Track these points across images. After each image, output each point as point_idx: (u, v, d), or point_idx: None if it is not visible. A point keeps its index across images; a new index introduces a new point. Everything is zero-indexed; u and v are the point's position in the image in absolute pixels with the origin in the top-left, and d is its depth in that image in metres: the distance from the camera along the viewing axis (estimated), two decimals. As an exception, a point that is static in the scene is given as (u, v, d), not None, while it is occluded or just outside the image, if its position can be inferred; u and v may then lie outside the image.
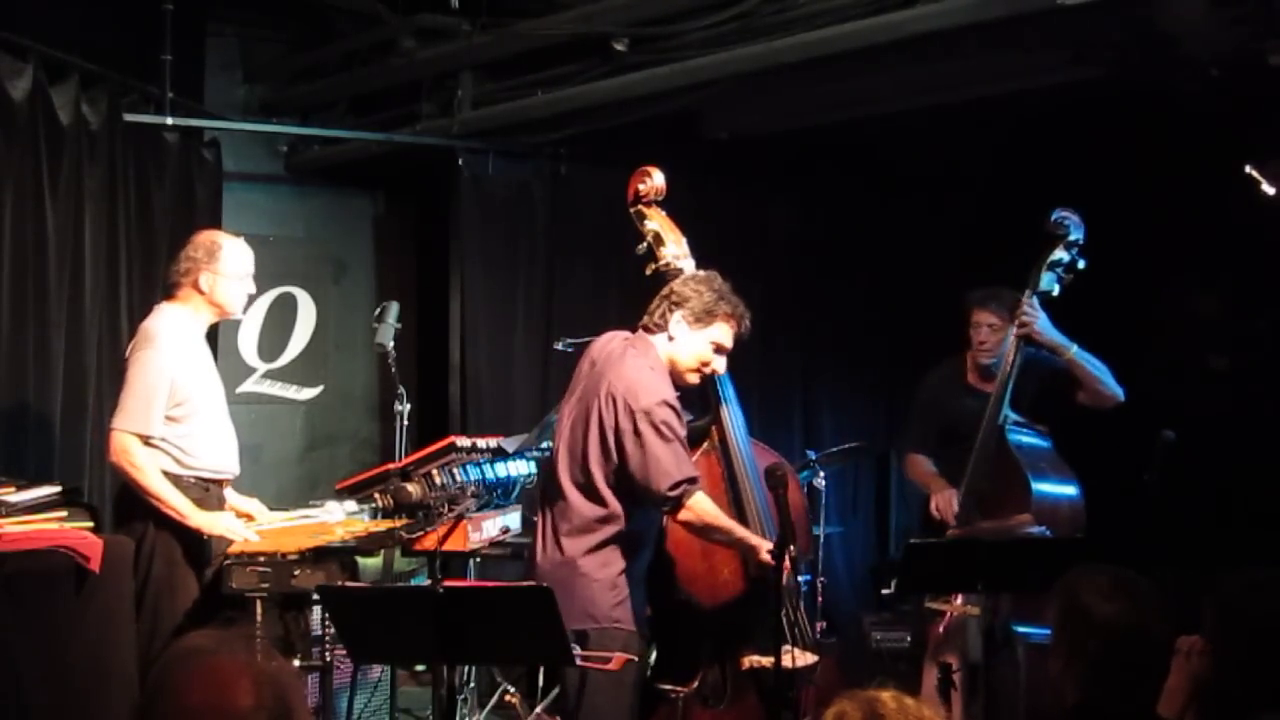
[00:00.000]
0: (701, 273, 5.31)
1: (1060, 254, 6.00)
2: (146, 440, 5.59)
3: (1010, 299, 6.23)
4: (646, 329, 5.22)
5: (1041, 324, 5.99)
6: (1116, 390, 6.09)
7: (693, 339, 5.19)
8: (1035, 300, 5.99)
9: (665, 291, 5.24)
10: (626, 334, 5.28)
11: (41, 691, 5.00)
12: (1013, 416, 6.02)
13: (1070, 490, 5.97)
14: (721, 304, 5.16)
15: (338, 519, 5.95)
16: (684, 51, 6.88)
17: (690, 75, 6.87)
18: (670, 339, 5.18)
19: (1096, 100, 7.05)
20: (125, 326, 6.97)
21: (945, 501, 6.13)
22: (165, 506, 5.57)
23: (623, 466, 4.99)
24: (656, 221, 5.55)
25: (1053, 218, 6.01)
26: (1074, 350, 6.02)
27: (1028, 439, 6.05)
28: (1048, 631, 5.56)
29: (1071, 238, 5.99)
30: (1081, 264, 6.01)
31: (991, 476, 5.97)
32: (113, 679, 5.34)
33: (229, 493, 5.94)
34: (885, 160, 8.68)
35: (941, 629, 5.97)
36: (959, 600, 5.79)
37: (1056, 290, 6.01)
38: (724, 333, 5.20)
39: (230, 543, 5.55)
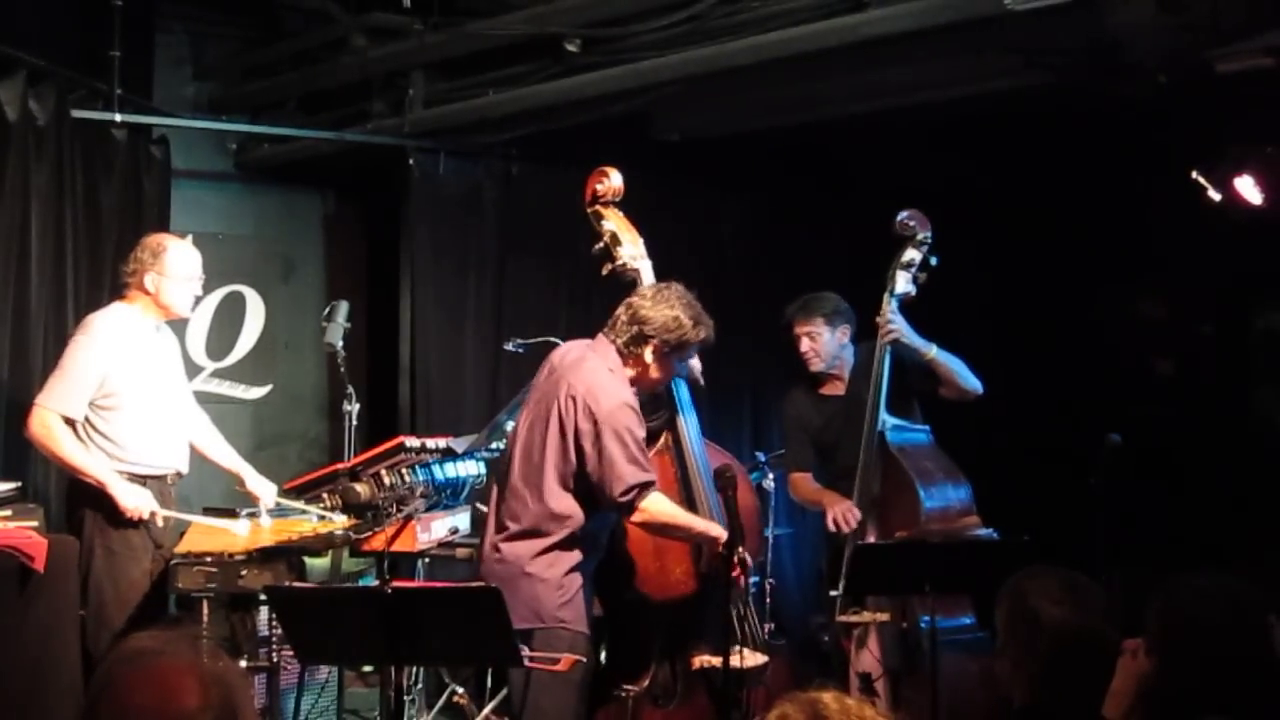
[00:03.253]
0: (670, 291, 5.23)
1: (912, 254, 6.10)
2: (69, 422, 5.73)
3: (823, 304, 6.34)
4: (613, 337, 5.21)
5: (903, 330, 6.07)
6: (975, 384, 6.17)
7: (663, 368, 5.21)
8: (895, 306, 6.07)
9: (632, 314, 5.17)
10: (588, 341, 5.29)
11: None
12: (891, 421, 6.06)
13: (960, 492, 5.99)
14: (696, 330, 5.16)
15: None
16: (636, 53, 6.88)
17: (642, 77, 6.88)
18: (640, 368, 5.18)
19: (1046, 105, 7.09)
20: (71, 324, 6.92)
21: (845, 511, 6.01)
22: (84, 475, 5.72)
23: (581, 468, 5.00)
24: (614, 222, 5.55)
25: (898, 219, 6.12)
26: (934, 350, 6.11)
27: (908, 436, 6.09)
28: (962, 623, 5.66)
29: (919, 237, 6.10)
30: (934, 260, 6.11)
31: (882, 484, 6.00)
32: (57, 678, 5.32)
33: (246, 470, 6.23)
34: (837, 163, 8.71)
35: (854, 640, 5.99)
36: (867, 610, 5.80)
37: (913, 290, 6.09)
38: (693, 352, 5.24)
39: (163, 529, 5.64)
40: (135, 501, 5.71)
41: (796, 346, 6.43)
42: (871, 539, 5.95)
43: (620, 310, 5.24)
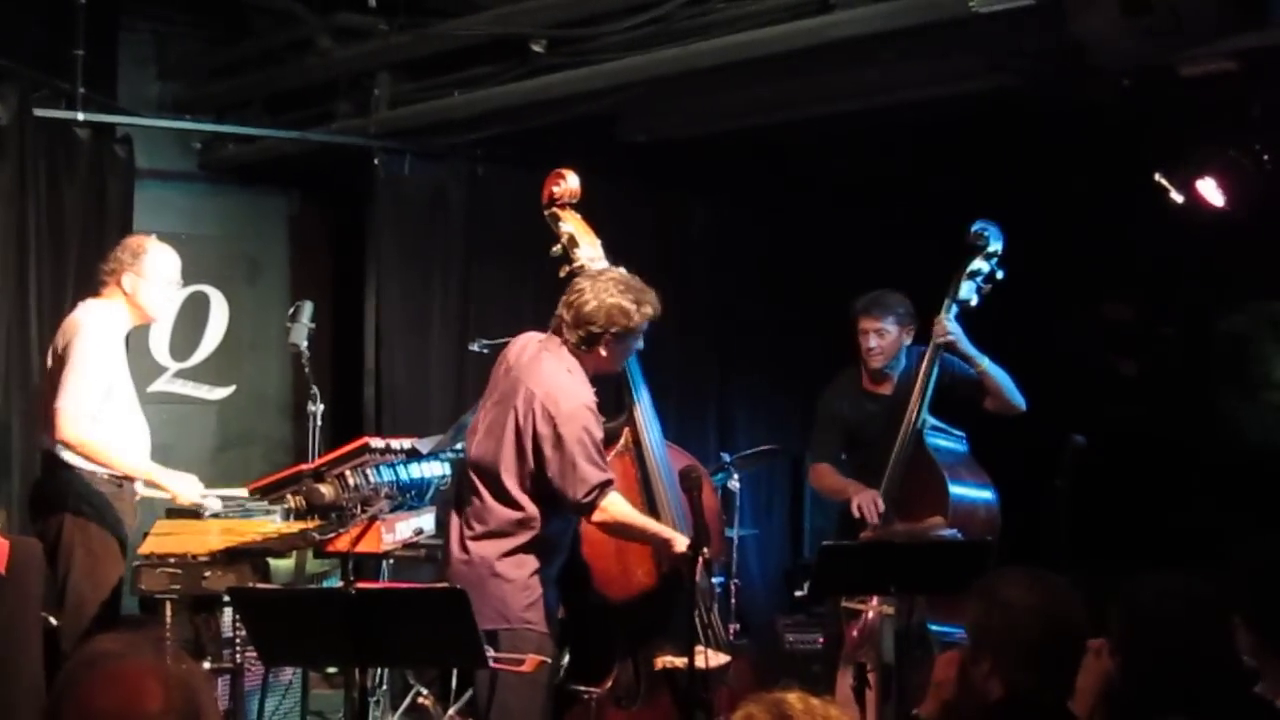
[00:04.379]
0: (604, 279, 5.17)
1: (980, 264, 6.17)
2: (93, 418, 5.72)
3: (895, 302, 6.36)
4: (564, 338, 5.18)
5: (959, 337, 6.13)
6: (1020, 401, 6.27)
7: (619, 353, 5.20)
8: (954, 313, 6.12)
9: (576, 315, 5.11)
10: (541, 335, 5.26)
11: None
12: (931, 421, 6.13)
13: (987, 495, 6.09)
14: (643, 310, 5.14)
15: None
16: (602, 54, 6.88)
17: (608, 78, 6.87)
18: (597, 361, 5.16)
19: (1011, 108, 7.12)
20: (34, 324, 6.90)
21: (870, 500, 6.12)
22: (127, 471, 5.80)
23: (540, 471, 4.99)
24: (571, 224, 5.54)
25: (973, 229, 6.18)
26: (985, 363, 6.19)
27: (945, 442, 6.17)
28: (961, 631, 5.68)
29: (991, 249, 6.16)
30: (1000, 274, 6.17)
31: (909, 479, 6.06)
32: (18, 681, 5.28)
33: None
34: (802, 164, 8.72)
35: (858, 629, 6.03)
36: (875, 600, 5.84)
37: (975, 300, 6.16)
38: (644, 329, 5.22)
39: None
40: (188, 490, 5.81)
41: (860, 341, 6.44)
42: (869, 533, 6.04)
43: (562, 312, 5.17)
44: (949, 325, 6.14)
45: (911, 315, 6.41)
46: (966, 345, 6.17)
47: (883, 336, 6.37)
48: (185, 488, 5.80)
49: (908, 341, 6.41)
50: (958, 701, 3.62)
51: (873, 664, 5.74)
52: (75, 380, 5.71)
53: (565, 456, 4.95)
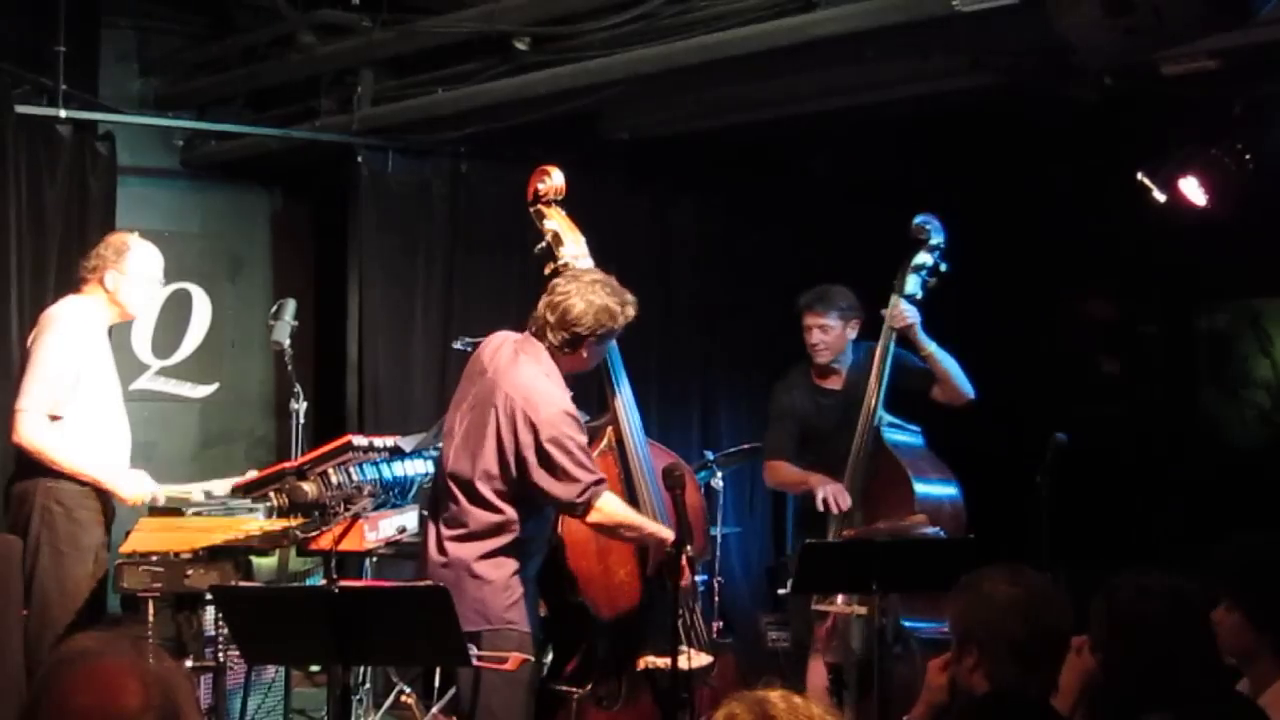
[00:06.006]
0: (588, 280, 5.14)
1: (924, 258, 6.22)
2: (54, 419, 5.69)
3: (837, 297, 6.39)
4: (546, 340, 5.16)
5: (915, 321, 6.22)
6: (969, 389, 6.30)
7: (596, 353, 5.20)
8: (905, 300, 6.17)
9: (560, 316, 5.06)
10: (515, 336, 5.22)
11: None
12: (887, 417, 6.14)
13: (951, 490, 6.09)
14: (625, 310, 5.12)
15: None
16: (585, 51, 6.87)
17: (591, 75, 6.87)
18: (576, 361, 5.15)
19: (993, 106, 7.13)
20: (15, 321, 6.88)
21: (836, 491, 6.09)
22: (83, 477, 5.73)
23: (524, 477, 4.95)
24: (556, 221, 5.52)
25: (915, 222, 6.25)
26: (933, 347, 6.21)
27: (903, 437, 6.19)
28: (939, 626, 5.70)
29: (933, 242, 6.22)
30: (944, 267, 6.21)
31: (871, 476, 6.06)
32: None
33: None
34: (785, 162, 8.73)
35: (825, 629, 6.03)
36: (841, 600, 5.85)
37: (921, 294, 6.19)
38: (621, 330, 5.21)
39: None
40: (136, 490, 5.76)
41: (805, 337, 6.47)
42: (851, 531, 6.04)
43: (544, 312, 5.12)
44: (906, 310, 6.16)
45: (855, 309, 6.45)
46: (919, 331, 6.22)
47: (826, 332, 6.41)
48: (130, 487, 5.76)
49: (852, 335, 6.44)
50: (947, 705, 3.62)
51: (845, 664, 5.76)
52: (32, 380, 5.69)
53: (550, 463, 4.93)
